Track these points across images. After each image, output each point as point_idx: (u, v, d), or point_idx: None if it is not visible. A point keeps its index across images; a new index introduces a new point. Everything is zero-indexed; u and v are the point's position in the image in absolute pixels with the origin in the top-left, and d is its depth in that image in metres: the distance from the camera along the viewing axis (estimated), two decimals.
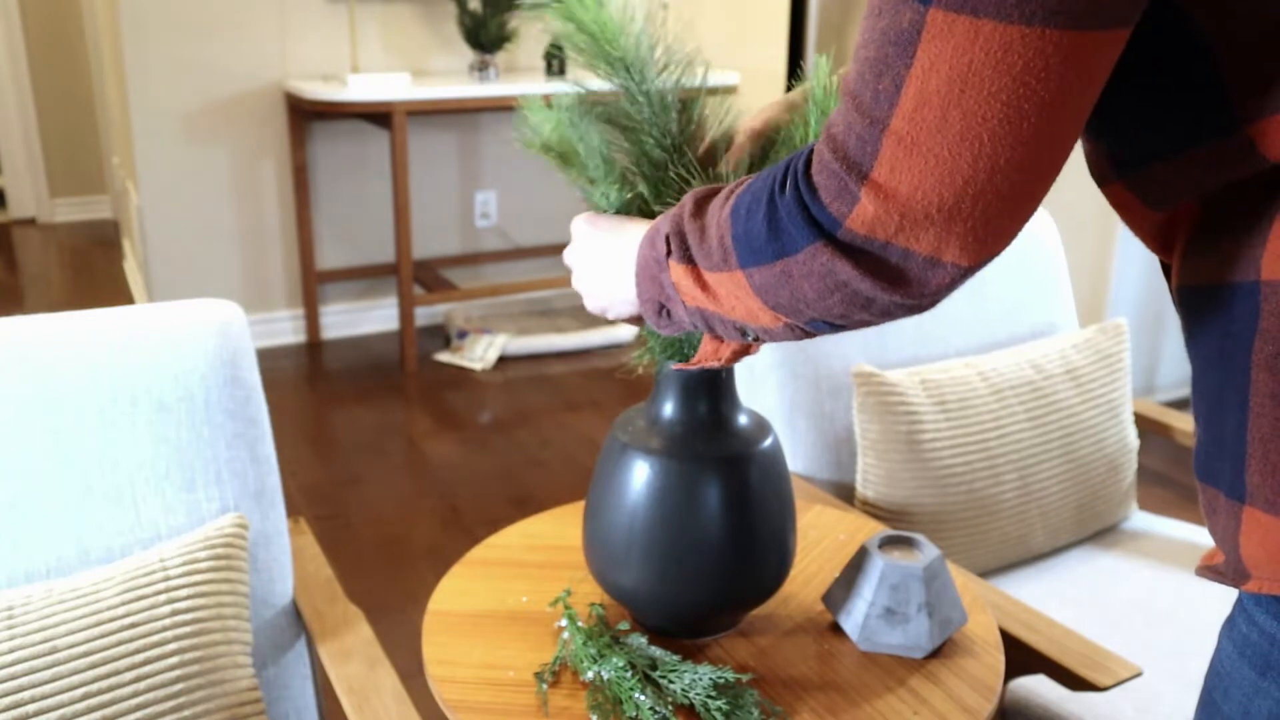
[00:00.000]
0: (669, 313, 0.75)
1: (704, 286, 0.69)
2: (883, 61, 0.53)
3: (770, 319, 0.66)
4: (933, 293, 0.58)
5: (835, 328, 0.64)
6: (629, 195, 0.92)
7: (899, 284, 0.57)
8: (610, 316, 0.88)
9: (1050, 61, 0.50)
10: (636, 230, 0.82)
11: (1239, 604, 0.62)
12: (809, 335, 0.67)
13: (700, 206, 0.70)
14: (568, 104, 0.93)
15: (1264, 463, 0.56)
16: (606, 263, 0.83)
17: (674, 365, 0.91)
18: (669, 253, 0.71)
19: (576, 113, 0.93)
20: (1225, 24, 0.52)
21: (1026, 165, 0.53)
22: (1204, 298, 0.59)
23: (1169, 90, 0.56)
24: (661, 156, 0.92)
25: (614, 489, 0.98)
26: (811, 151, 0.59)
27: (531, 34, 3.85)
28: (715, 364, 0.86)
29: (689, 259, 0.69)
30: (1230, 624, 0.62)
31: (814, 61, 0.94)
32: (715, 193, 0.71)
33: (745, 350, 0.84)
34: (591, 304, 0.88)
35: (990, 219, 0.54)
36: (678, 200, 0.92)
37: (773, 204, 0.61)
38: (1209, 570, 0.63)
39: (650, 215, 0.92)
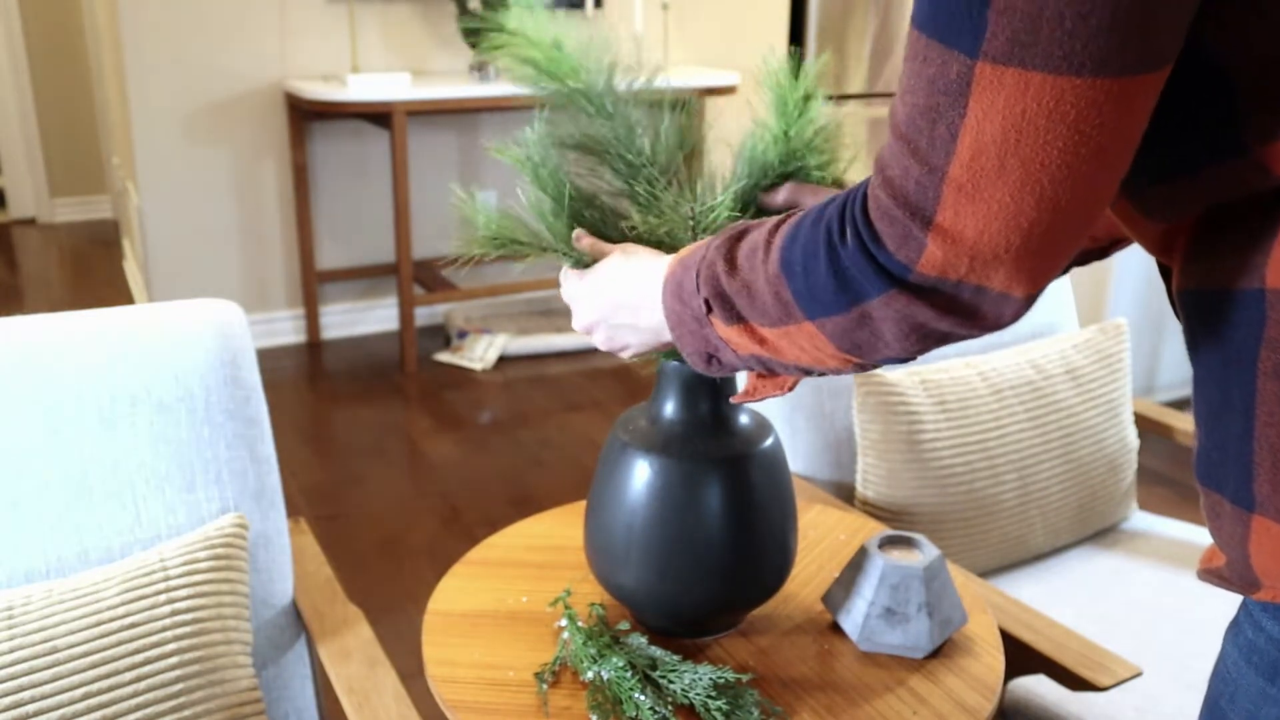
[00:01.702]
0: (719, 361, 0.76)
1: (761, 341, 0.70)
2: (934, 110, 0.54)
3: (839, 362, 0.67)
4: (1007, 322, 0.59)
5: (903, 361, 0.65)
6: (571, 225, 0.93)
7: (975, 318, 0.59)
8: (628, 356, 0.89)
9: (1103, 108, 0.51)
10: (647, 272, 0.82)
11: (1244, 610, 0.61)
12: (874, 368, 0.68)
13: (733, 263, 0.70)
14: (534, 141, 0.94)
15: (1274, 471, 0.56)
16: (625, 307, 0.84)
17: (734, 399, 0.91)
18: (709, 311, 0.72)
19: (542, 148, 0.94)
20: (1240, 48, 0.53)
21: (1086, 200, 0.54)
22: (1206, 303, 0.59)
23: (1181, 113, 0.56)
24: (629, 173, 0.94)
25: (615, 488, 0.98)
26: (864, 196, 0.60)
27: None
28: (779, 394, 0.87)
29: (739, 319, 0.70)
30: (1236, 629, 0.62)
31: (811, 62, 0.94)
32: (738, 241, 0.71)
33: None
34: (608, 346, 0.88)
35: (1054, 251, 0.56)
36: (656, 212, 0.93)
37: (834, 254, 0.61)
38: (1212, 575, 0.63)
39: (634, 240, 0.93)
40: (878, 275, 0.59)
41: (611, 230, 0.94)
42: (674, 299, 0.76)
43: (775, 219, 0.69)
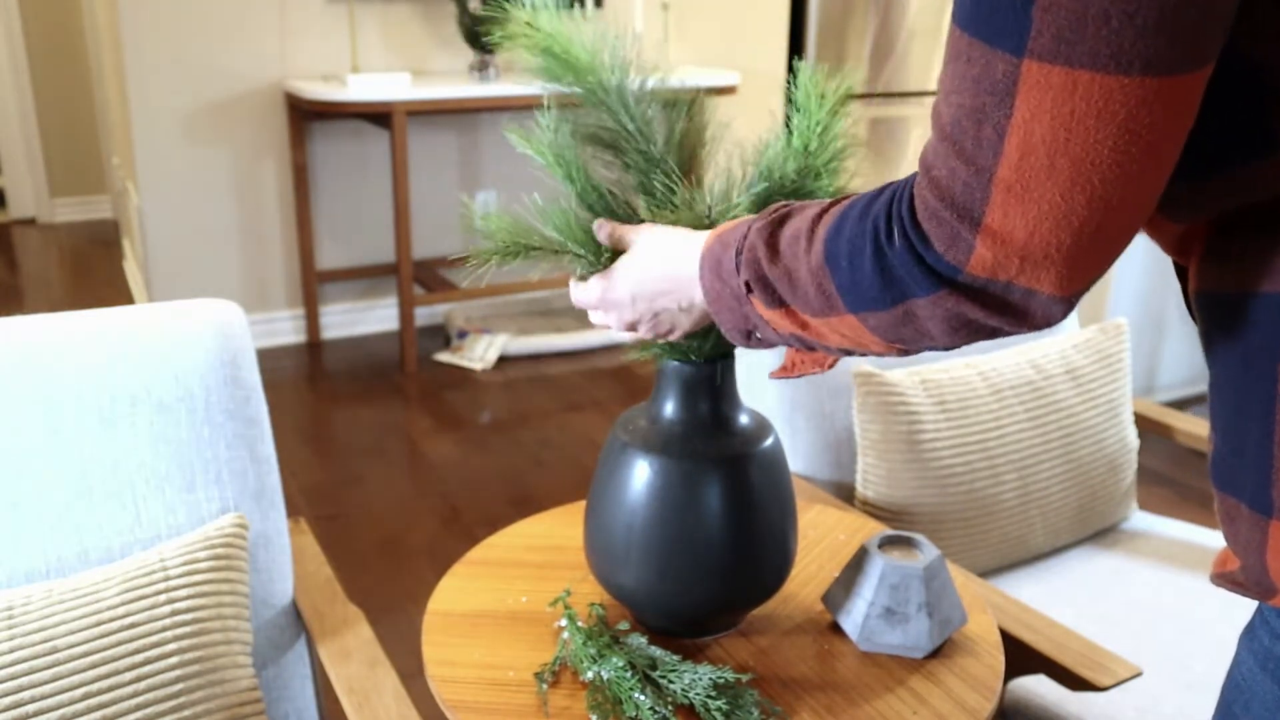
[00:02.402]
0: (758, 338, 0.76)
1: (803, 325, 0.70)
2: (980, 110, 0.53)
3: (883, 347, 0.67)
4: (1055, 320, 0.59)
5: (948, 349, 0.66)
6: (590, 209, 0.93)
7: (1024, 317, 0.59)
8: (676, 337, 0.88)
9: (1153, 107, 0.50)
10: (683, 249, 0.82)
11: (1260, 616, 0.61)
12: (917, 352, 0.68)
13: (775, 249, 0.69)
14: (553, 128, 0.93)
15: None
16: (668, 292, 0.83)
17: (772, 375, 0.90)
18: (750, 291, 0.72)
19: (559, 138, 0.93)
20: (1273, 48, 0.52)
21: (1137, 199, 0.54)
22: (1225, 305, 0.58)
23: (1212, 113, 0.55)
24: (646, 167, 0.93)
25: (615, 488, 0.98)
26: (911, 195, 0.59)
27: None
28: (818, 371, 0.87)
29: (781, 303, 0.70)
30: (1250, 635, 0.61)
31: (801, 70, 0.93)
32: (780, 225, 0.70)
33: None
34: (656, 332, 0.88)
35: (1104, 250, 0.55)
36: (670, 207, 0.93)
37: (881, 253, 0.61)
38: (1226, 580, 0.62)
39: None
40: (926, 276, 0.59)
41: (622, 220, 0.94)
42: (713, 276, 0.75)
43: (818, 205, 0.69)
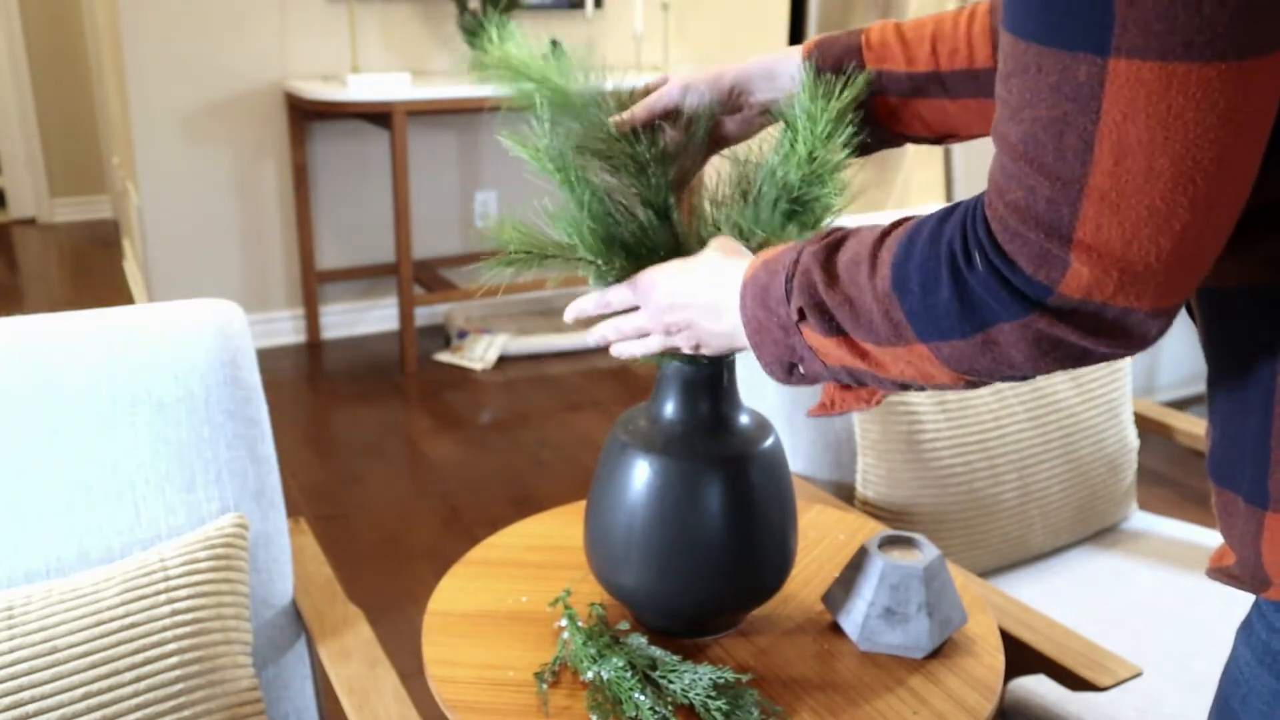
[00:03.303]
0: (803, 371, 0.73)
1: (863, 355, 0.66)
2: (1061, 120, 0.51)
3: (950, 379, 0.64)
4: (1152, 339, 0.56)
5: (1029, 378, 0.62)
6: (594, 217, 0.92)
7: (1121, 336, 0.55)
8: (694, 352, 0.86)
9: (1249, 91, 0.48)
10: (727, 272, 0.78)
11: (1257, 610, 0.61)
12: (988, 384, 0.65)
13: (833, 274, 0.66)
14: (544, 134, 0.93)
15: None
16: (709, 309, 0.80)
17: (811, 412, 0.87)
18: (802, 319, 0.68)
19: (554, 143, 0.93)
20: None
21: (1238, 192, 0.52)
22: (1226, 301, 0.58)
23: None
24: (641, 174, 0.93)
25: (615, 488, 0.98)
26: (985, 217, 0.56)
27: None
28: (863, 408, 0.84)
29: (839, 332, 0.66)
30: (1247, 629, 0.61)
31: (800, 72, 0.92)
32: (835, 249, 0.67)
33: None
34: (688, 346, 0.85)
35: (1205, 253, 0.53)
36: (658, 223, 0.92)
37: (959, 277, 0.57)
38: (1221, 573, 0.63)
39: (631, 249, 0.92)
40: (1014, 299, 0.55)
41: (625, 229, 0.93)
42: (757, 304, 0.72)
43: (874, 228, 0.66)
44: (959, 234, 0.58)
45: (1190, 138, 0.49)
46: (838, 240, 0.68)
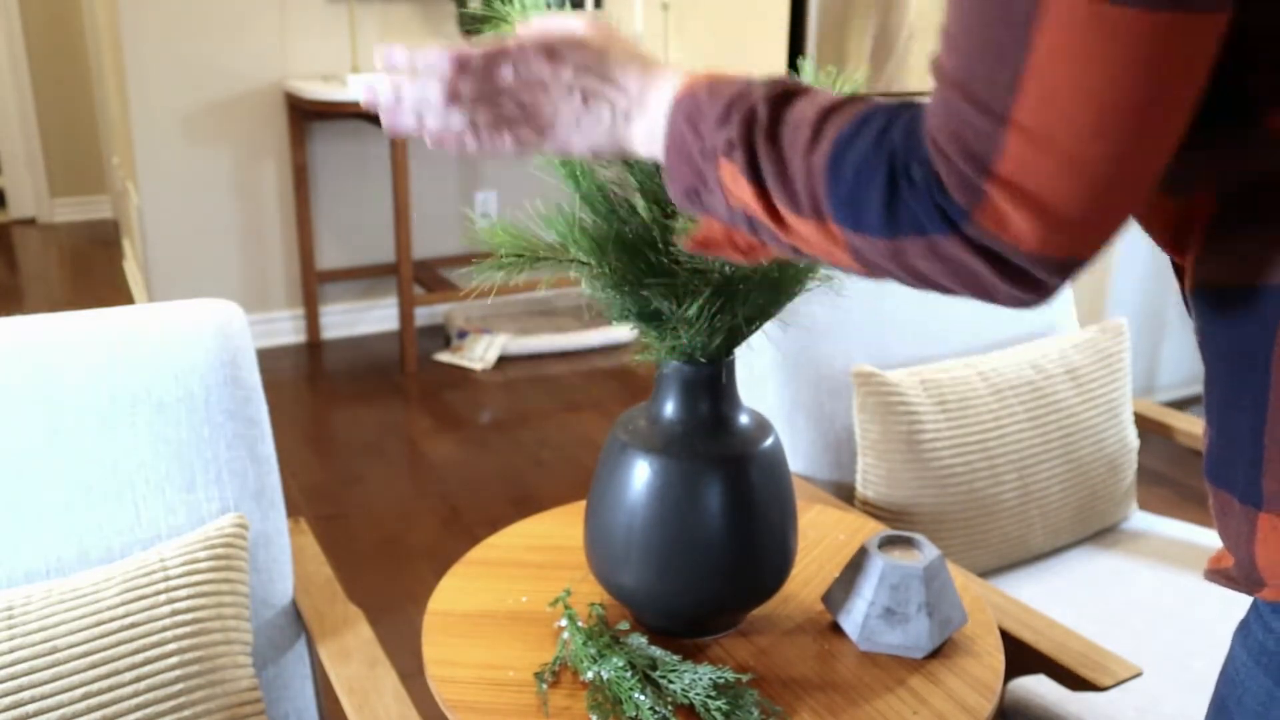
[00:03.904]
0: (702, 201, 0.68)
1: (772, 213, 0.63)
2: (995, 51, 0.50)
3: (850, 264, 0.62)
4: (1053, 291, 0.56)
5: (918, 289, 0.61)
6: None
7: (1022, 282, 0.55)
8: (549, 149, 0.74)
9: (1181, 46, 0.48)
10: (652, 68, 0.71)
11: (1254, 610, 0.61)
12: (878, 278, 0.63)
13: (775, 127, 0.62)
14: None
15: None
16: (611, 82, 0.72)
17: (685, 244, 0.77)
18: (726, 152, 0.64)
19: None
20: (1260, 8, 0.51)
21: (1158, 151, 0.51)
22: (1218, 299, 0.58)
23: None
24: (645, 169, 0.93)
25: (615, 488, 0.98)
26: (923, 135, 0.56)
27: None
28: (738, 260, 0.77)
29: (758, 181, 0.63)
30: (1244, 630, 0.61)
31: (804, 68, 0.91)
32: (784, 103, 0.63)
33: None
34: (545, 115, 0.73)
35: (1119, 210, 0.52)
36: (662, 219, 0.92)
37: (894, 184, 0.56)
38: (1219, 575, 0.63)
39: (629, 245, 0.91)
40: (936, 215, 0.55)
41: (625, 224, 0.93)
42: (685, 121, 0.67)
43: (826, 96, 0.62)
44: (902, 140, 0.57)
45: (1117, 85, 0.48)
46: (789, 91, 0.65)
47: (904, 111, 0.58)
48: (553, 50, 0.72)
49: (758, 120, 0.63)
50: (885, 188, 0.57)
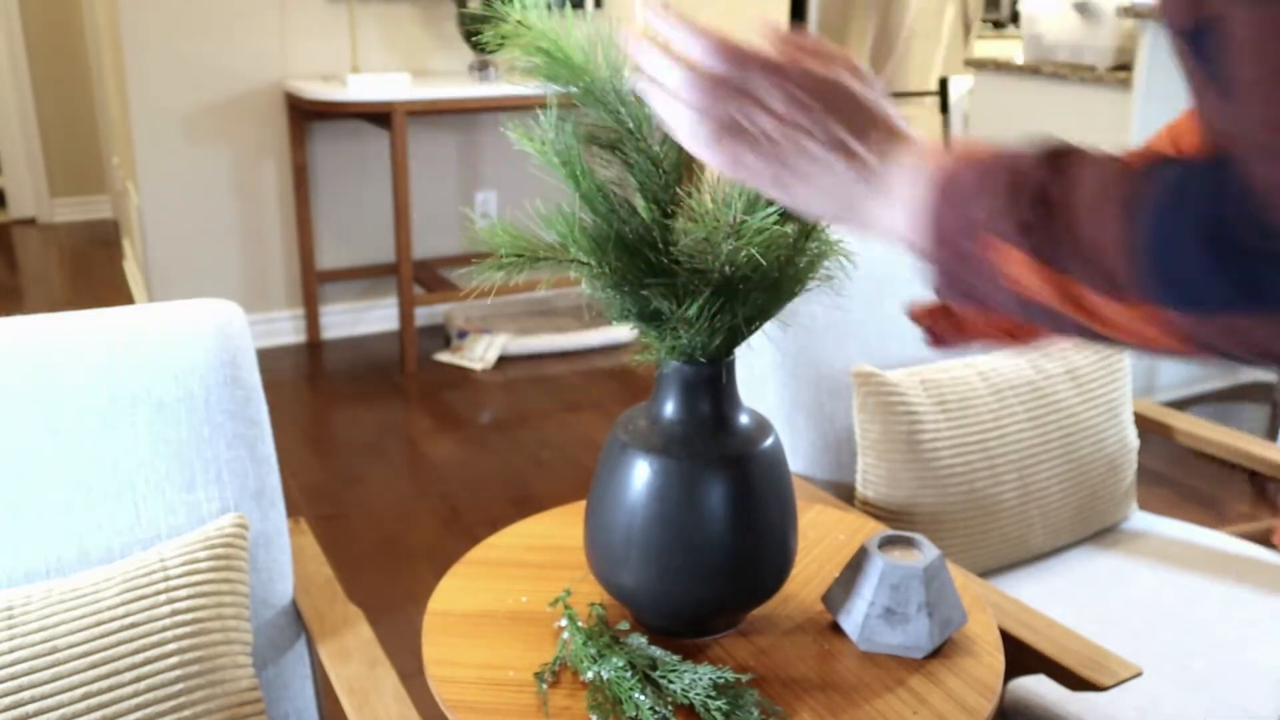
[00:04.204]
0: (973, 292, 0.60)
1: (1072, 298, 0.56)
2: None
3: (1182, 348, 0.55)
4: None
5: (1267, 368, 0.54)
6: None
7: None
8: (790, 196, 0.66)
9: None
10: (896, 149, 0.63)
11: None
12: (1221, 365, 0.56)
13: (1069, 206, 0.55)
14: (551, 127, 0.92)
15: None
16: (853, 145, 0.64)
17: (933, 343, 0.71)
18: (1011, 238, 0.56)
19: (560, 137, 0.92)
20: None
21: None
22: None
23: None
24: (645, 165, 0.92)
25: (615, 488, 0.98)
26: (1259, 194, 0.49)
27: None
28: (1008, 345, 0.70)
29: (1058, 267, 0.55)
30: None
31: None
32: (1063, 170, 0.56)
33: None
34: (770, 158, 0.66)
35: None
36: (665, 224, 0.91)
37: (1242, 256, 0.49)
38: None
39: (624, 242, 0.90)
40: None
41: (625, 224, 0.93)
42: (946, 204, 0.59)
43: (1110, 156, 0.55)
44: (1237, 204, 0.50)
45: None
46: (1063, 156, 0.57)
47: (1219, 169, 0.51)
48: (824, 89, 0.65)
49: (1047, 200, 0.56)
50: (1228, 260, 0.50)
